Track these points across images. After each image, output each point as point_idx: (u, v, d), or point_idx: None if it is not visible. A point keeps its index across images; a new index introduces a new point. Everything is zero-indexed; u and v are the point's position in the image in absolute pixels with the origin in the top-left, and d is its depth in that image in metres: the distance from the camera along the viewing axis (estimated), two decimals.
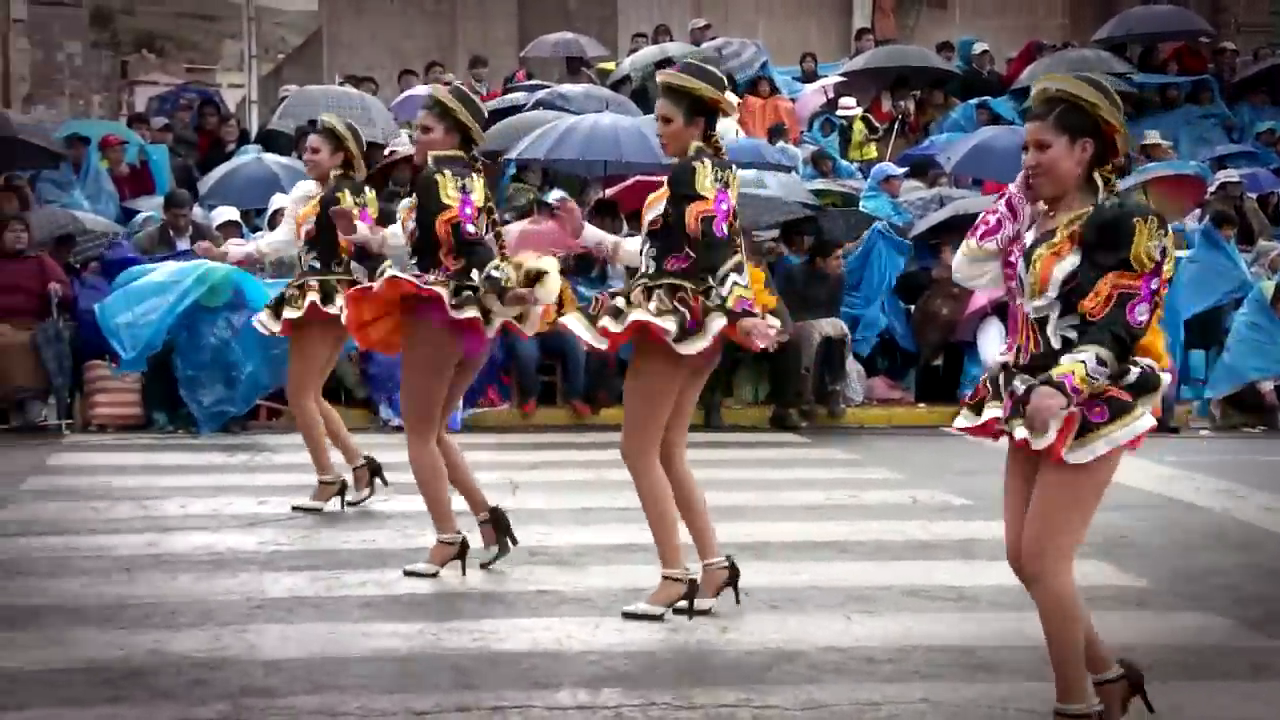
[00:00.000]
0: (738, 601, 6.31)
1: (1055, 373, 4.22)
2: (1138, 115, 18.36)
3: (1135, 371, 4.33)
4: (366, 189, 8.17)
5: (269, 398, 11.96)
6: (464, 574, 6.88)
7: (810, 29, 25.91)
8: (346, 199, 7.92)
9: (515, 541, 7.05)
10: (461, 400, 12.23)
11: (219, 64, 73.28)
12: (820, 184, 15.74)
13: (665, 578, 6.18)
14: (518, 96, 18.11)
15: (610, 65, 21.29)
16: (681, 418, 6.27)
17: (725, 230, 5.87)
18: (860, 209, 14.95)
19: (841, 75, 20.07)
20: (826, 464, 10.91)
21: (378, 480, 8.50)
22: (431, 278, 6.62)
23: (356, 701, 5.03)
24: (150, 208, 13.88)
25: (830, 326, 12.96)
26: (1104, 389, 4.28)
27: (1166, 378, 4.40)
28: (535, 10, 29.44)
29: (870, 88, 19.78)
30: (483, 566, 6.99)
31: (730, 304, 5.80)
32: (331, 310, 7.93)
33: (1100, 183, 4.41)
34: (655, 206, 6.00)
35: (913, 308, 13.88)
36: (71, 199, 14.18)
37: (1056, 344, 4.38)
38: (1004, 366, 4.53)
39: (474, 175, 6.70)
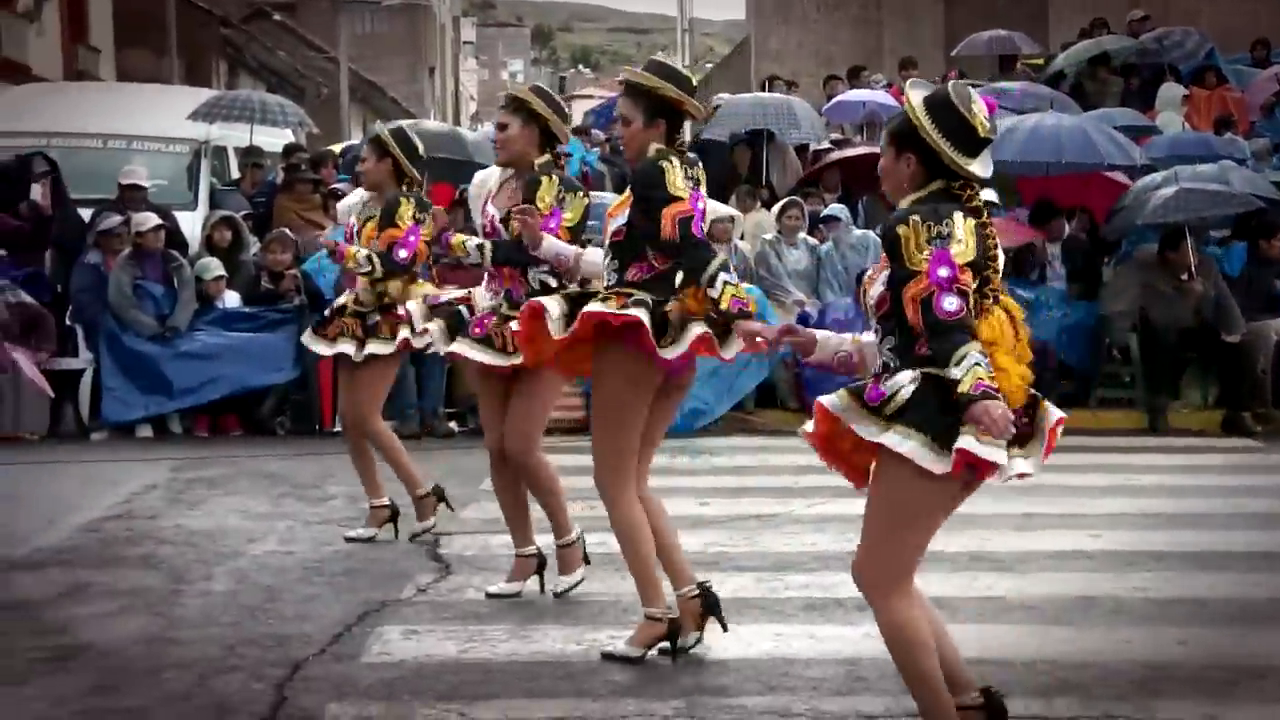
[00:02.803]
0: (725, 629, 5.73)
1: (966, 390, 3.98)
2: None
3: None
4: (432, 206, 7.71)
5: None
6: (542, 589, 6.62)
7: (1259, 14, 24.61)
8: (405, 213, 7.46)
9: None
10: None
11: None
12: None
13: (647, 617, 5.66)
14: None
15: (1038, 60, 20.81)
16: (649, 444, 5.72)
17: (703, 231, 5.46)
18: None
19: None
20: None
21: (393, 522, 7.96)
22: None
23: (805, 704, 5.09)
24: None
25: None
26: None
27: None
28: (962, 9, 29.06)
29: None
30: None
31: (725, 305, 5.28)
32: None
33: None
34: (618, 216, 5.51)
35: None
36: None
37: (878, 368, 4.22)
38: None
39: (577, 193, 6.36)
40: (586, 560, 6.78)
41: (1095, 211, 13.89)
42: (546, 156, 6.41)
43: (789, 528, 8.15)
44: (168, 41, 29.28)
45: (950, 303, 4.03)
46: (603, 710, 5.06)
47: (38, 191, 7.65)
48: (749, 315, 5.28)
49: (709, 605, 5.70)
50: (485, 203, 6.54)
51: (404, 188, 7.61)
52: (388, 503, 7.95)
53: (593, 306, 5.42)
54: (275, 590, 6.77)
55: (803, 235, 13.33)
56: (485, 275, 6.53)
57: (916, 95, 4.26)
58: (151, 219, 12.25)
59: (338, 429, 12.09)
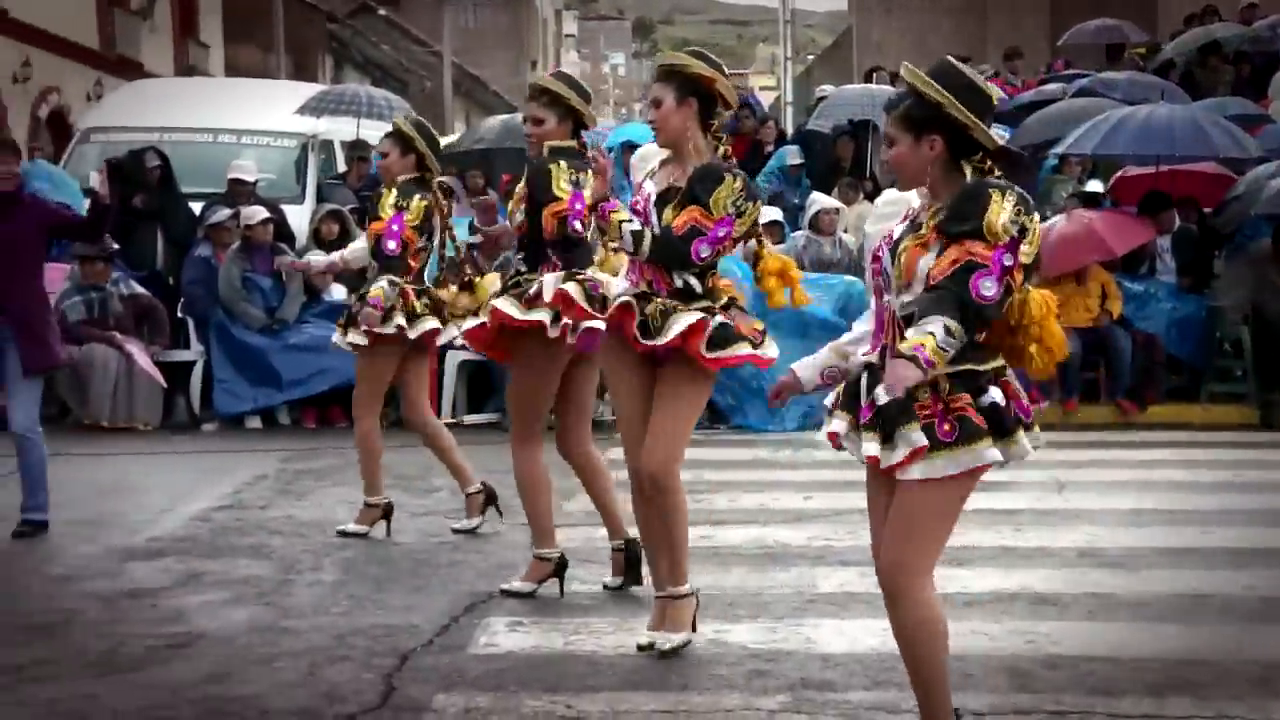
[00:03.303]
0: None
1: (906, 346, 3.88)
2: None
3: (991, 399, 4.04)
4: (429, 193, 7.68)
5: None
6: (562, 593, 6.52)
7: None
8: (386, 203, 7.53)
9: (639, 581, 6.49)
10: None
11: (751, 68, 75.20)
12: None
13: (672, 596, 5.70)
14: (1052, 88, 17.74)
15: (1144, 50, 20.51)
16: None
17: (705, 254, 5.44)
18: None
19: None
20: None
21: (491, 509, 7.96)
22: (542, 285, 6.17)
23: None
24: None
25: None
26: (958, 406, 4.01)
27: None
28: None
29: None
30: (605, 586, 6.62)
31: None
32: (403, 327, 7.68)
33: (969, 173, 4.10)
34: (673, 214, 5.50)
35: None
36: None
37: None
38: (867, 367, 4.20)
39: (589, 172, 6.12)
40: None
41: (1199, 203, 13.68)
42: (561, 142, 6.31)
43: None
44: (275, 37, 29.66)
45: (989, 288, 3.95)
46: (708, 704, 5.07)
47: (95, 179, 7.74)
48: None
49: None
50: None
51: (422, 178, 7.68)
52: (479, 487, 7.98)
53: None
54: (383, 581, 6.85)
55: None
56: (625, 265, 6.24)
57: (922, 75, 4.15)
58: (260, 212, 12.42)
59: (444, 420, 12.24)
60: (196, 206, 13.26)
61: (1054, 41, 24.50)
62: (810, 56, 47.75)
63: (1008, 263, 3.95)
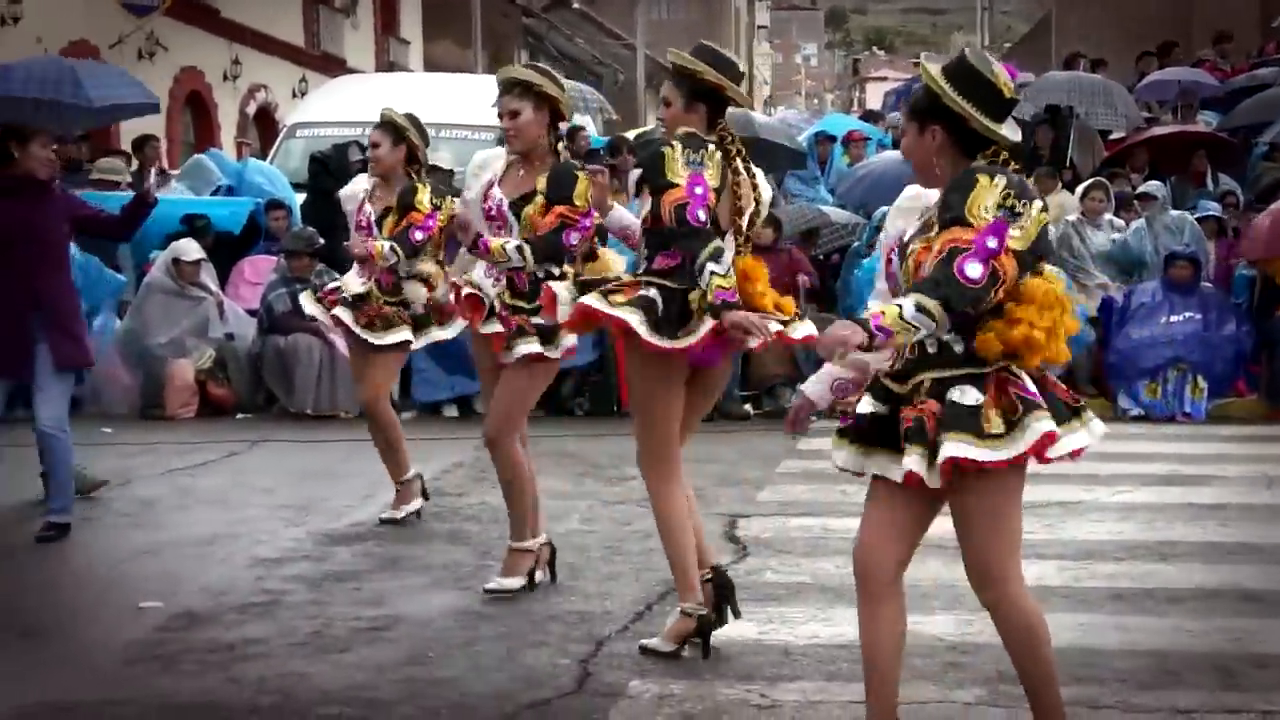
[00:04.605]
0: (737, 615, 5.66)
1: (865, 314, 3.80)
2: None
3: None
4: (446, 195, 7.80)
5: None
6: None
7: None
8: (424, 198, 7.68)
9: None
10: (1206, 391, 11.81)
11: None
12: None
13: (682, 613, 5.51)
14: (1265, 73, 17.22)
15: None
16: (683, 431, 5.54)
17: (702, 217, 5.19)
18: None
19: None
20: None
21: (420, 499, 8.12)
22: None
23: (1115, 696, 4.98)
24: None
25: None
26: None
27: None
28: None
29: None
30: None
31: (710, 297, 5.11)
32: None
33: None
34: (646, 202, 5.38)
35: None
36: (817, 194, 14.80)
37: (931, 348, 3.97)
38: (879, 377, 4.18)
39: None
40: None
41: None
42: (541, 138, 6.25)
43: (1093, 515, 7.96)
44: (472, 32, 30.13)
45: (974, 270, 3.81)
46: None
47: (152, 177, 7.76)
48: (735, 307, 5.13)
49: (720, 588, 5.64)
50: (490, 186, 6.37)
51: (414, 171, 7.80)
52: (413, 475, 8.12)
53: (589, 299, 5.31)
54: (578, 568, 6.92)
55: (1108, 217, 12.96)
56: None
57: (934, 66, 4.11)
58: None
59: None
60: None
61: (1265, 24, 23.80)
62: (1007, 44, 47.04)
63: (992, 245, 3.83)
